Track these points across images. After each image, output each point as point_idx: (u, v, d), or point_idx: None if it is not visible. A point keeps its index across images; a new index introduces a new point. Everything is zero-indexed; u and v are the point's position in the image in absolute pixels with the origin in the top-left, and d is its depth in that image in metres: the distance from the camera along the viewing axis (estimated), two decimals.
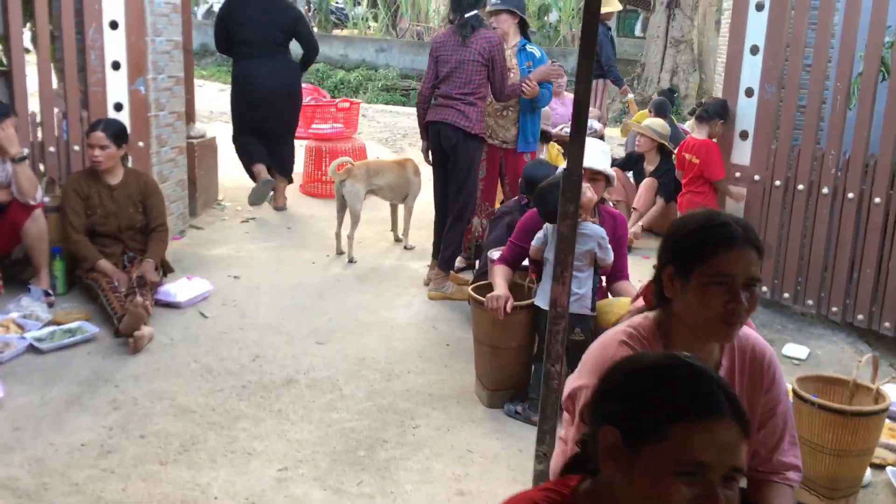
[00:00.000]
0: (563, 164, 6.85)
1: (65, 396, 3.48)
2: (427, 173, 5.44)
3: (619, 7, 9.66)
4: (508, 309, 3.37)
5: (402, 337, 4.29)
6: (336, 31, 18.58)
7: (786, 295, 4.73)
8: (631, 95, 8.93)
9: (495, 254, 4.08)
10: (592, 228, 3.41)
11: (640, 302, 2.94)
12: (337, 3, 19.96)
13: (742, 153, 4.95)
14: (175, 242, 5.40)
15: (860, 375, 3.03)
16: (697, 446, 1.20)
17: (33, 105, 5.01)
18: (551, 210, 4.36)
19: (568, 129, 7.76)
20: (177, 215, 5.72)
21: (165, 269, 4.75)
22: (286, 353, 4.02)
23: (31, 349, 3.89)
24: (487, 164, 5.16)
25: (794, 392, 2.90)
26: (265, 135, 6.40)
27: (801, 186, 4.63)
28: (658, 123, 6.62)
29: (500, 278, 3.54)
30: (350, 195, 5.63)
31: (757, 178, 4.82)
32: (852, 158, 4.43)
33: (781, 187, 4.70)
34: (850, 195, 4.44)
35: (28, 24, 5.11)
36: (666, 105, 8.26)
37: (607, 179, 3.66)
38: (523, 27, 5.15)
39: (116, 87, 5.08)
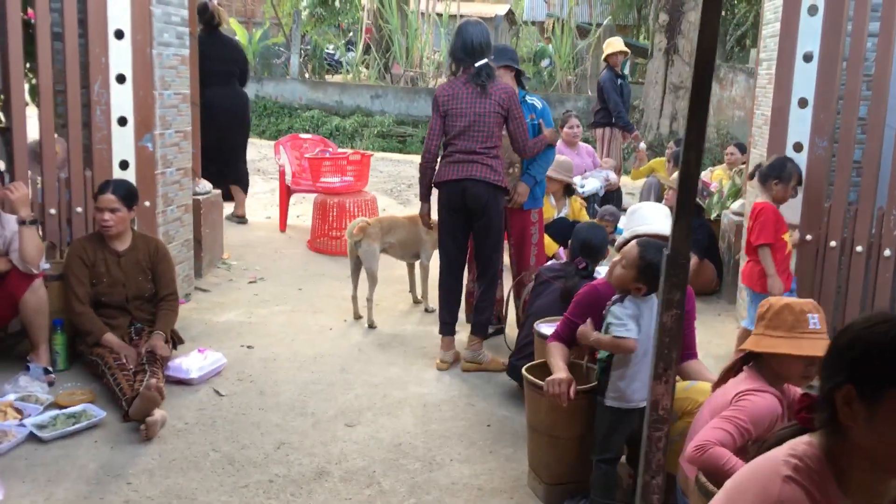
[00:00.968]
0: (586, 218, 6.65)
1: (72, 497, 3.08)
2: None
3: (624, 48, 9.46)
4: (572, 394, 3.02)
5: (439, 417, 3.92)
6: (329, 78, 18.39)
7: None
8: (643, 145, 8.68)
9: (545, 327, 3.74)
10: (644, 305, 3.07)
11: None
12: (328, 49, 19.84)
13: (789, 207, 4.67)
14: (181, 307, 5.02)
15: None
16: None
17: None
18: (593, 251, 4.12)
19: (586, 183, 7.52)
20: (182, 277, 5.35)
21: (175, 340, 4.37)
22: (314, 438, 3.64)
23: (32, 438, 3.49)
24: None
25: None
26: (221, 152, 7.03)
27: (859, 248, 4.35)
28: None
29: (558, 358, 3.19)
30: (366, 255, 5.30)
31: (809, 237, 4.54)
32: None
33: (837, 248, 4.41)
34: None
35: (28, 77, 4.80)
36: None
37: None
38: (519, 77, 4.95)
39: (122, 144, 4.75)
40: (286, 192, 7.32)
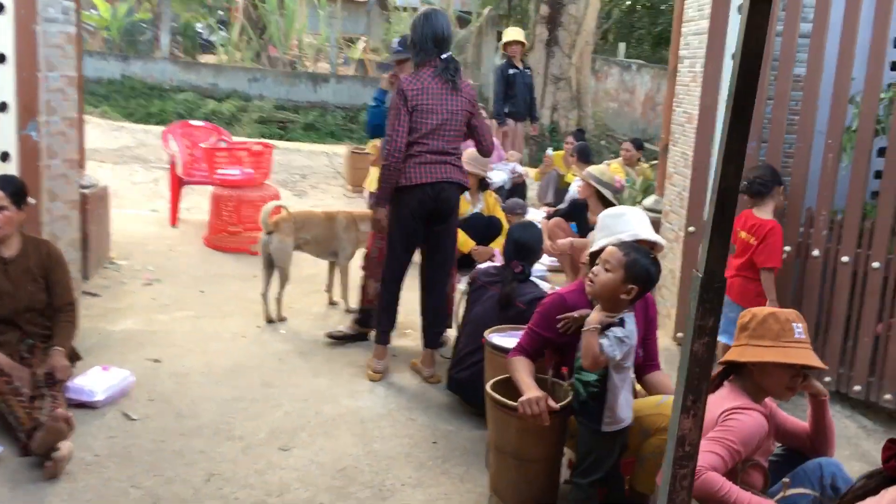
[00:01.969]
0: (501, 213, 6.48)
1: None
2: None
3: (520, 38, 9.34)
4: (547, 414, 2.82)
5: (380, 435, 3.63)
6: (202, 59, 17.44)
7: None
8: (550, 151, 8.63)
9: (497, 337, 3.52)
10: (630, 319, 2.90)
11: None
12: (198, 27, 18.80)
13: None
14: None
15: None
16: None
17: None
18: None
19: (493, 176, 7.35)
20: None
21: (73, 357, 3.86)
22: (247, 467, 3.28)
23: None
24: None
25: None
26: None
27: (787, 248, 4.37)
28: (598, 170, 6.26)
29: (526, 375, 2.98)
30: (278, 252, 4.93)
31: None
32: (847, 219, 4.22)
33: None
34: (845, 259, 4.21)
35: None
36: (588, 149, 8.02)
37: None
38: None
39: (2, 134, 4.15)
40: (177, 184, 6.75)
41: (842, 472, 2.67)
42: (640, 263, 2.80)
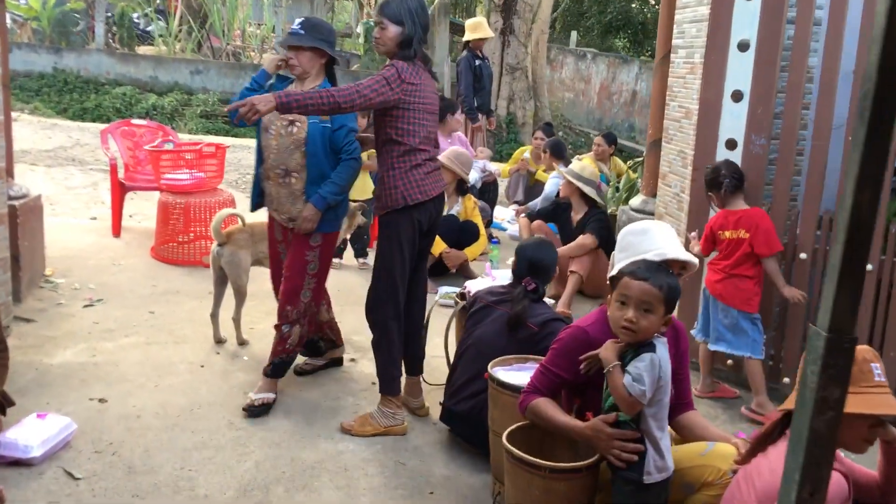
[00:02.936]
0: (478, 219, 6.02)
1: None
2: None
3: (491, 34, 8.93)
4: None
5: (368, 486, 3.16)
6: (141, 50, 16.55)
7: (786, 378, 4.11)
8: (528, 154, 8.18)
9: (502, 372, 3.08)
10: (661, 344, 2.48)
11: None
12: (134, 17, 17.87)
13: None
14: None
15: None
16: None
17: None
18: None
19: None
20: None
21: (4, 404, 3.29)
22: None
23: None
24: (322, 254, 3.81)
25: None
26: None
27: (803, 255, 4.03)
28: (579, 166, 5.85)
29: (561, 414, 2.58)
30: (231, 266, 4.38)
31: None
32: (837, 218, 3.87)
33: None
34: (869, 267, 3.88)
35: None
36: (562, 145, 7.62)
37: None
38: (331, 67, 3.80)
39: None
40: (120, 190, 6.12)
41: None
42: (677, 291, 2.42)
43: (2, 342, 3.23)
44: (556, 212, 5.88)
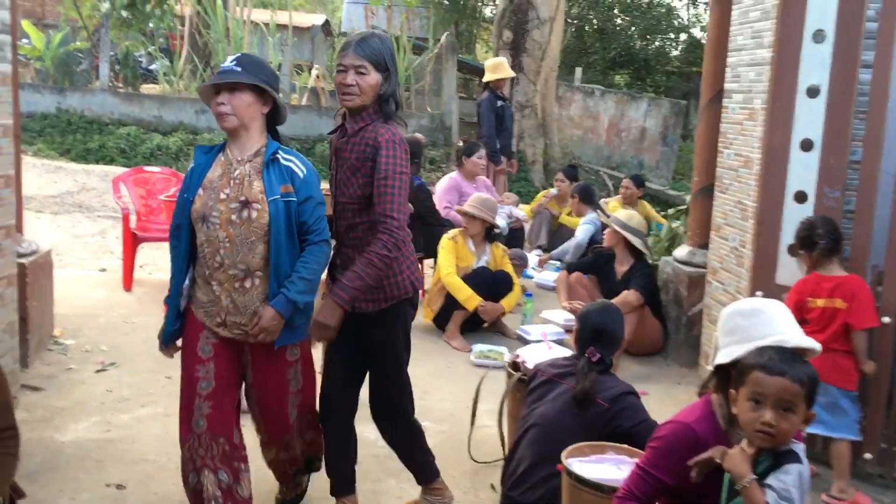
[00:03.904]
0: (510, 268, 5.69)
1: None
2: None
3: (512, 74, 8.69)
4: None
5: None
6: (145, 89, 16.33)
7: None
8: (555, 191, 7.90)
9: (577, 464, 2.72)
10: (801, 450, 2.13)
11: None
12: (138, 56, 17.68)
13: (791, 272, 3.96)
14: None
15: None
16: None
17: None
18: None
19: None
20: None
21: (14, 497, 2.93)
22: None
23: None
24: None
25: None
26: None
27: (886, 319, 3.70)
28: (626, 215, 5.49)
29: None
30: None
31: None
32: None
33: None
34: None
35: None
36: (591, 190, 7.33)
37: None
38: (275, 115, 2.88)
39: None
40: (132, 240, 5.79)
41: None
42: (817, 382, 2.07)
43: (11, 428, 2.89)
44: (598, 263, 5.54)
